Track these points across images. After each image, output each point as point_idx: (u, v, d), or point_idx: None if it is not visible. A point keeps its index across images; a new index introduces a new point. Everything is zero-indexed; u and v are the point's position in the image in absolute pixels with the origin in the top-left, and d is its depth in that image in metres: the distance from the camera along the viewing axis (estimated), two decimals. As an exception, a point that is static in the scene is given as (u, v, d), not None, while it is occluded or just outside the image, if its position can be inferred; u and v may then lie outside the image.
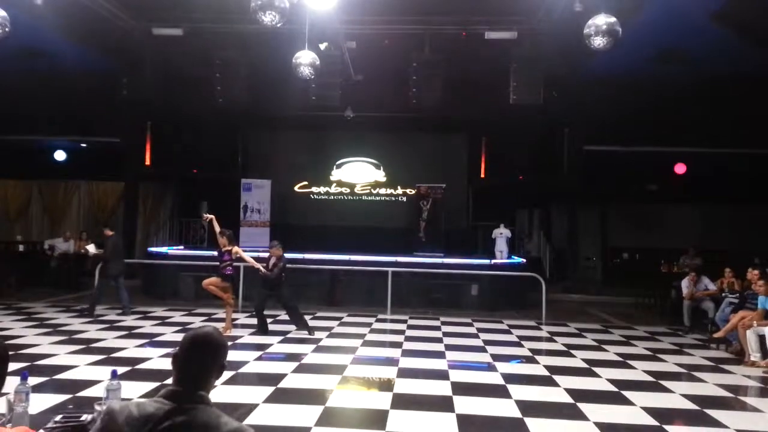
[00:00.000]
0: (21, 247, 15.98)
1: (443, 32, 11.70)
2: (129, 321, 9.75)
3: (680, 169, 16.43)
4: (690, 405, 5.80)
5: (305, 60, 9.04)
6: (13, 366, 6.59)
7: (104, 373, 5.97)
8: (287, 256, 9.13)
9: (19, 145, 15.97)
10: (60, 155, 17.14)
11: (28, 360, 6.71)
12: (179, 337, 8.40)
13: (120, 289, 10.57)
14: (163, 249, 14.34)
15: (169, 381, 1.96)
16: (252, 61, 12.28)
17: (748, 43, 11.19)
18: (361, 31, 11.72)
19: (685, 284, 10.40)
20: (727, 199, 16.62)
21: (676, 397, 6.10)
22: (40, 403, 4.86)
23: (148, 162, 16.48)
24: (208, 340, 1.99)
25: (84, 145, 16.41)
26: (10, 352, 6.95)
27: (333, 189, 17.63)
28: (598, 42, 7.31)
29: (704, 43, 11.62)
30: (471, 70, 13.64)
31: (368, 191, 17.61)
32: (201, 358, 1.94)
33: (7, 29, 7.61)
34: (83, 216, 18.14)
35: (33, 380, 5.46)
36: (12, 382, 3.06)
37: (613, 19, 7.22)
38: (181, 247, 15.32)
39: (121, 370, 5.93)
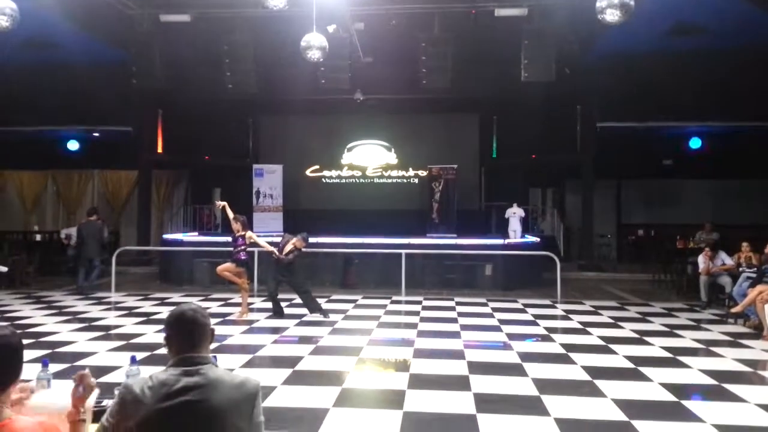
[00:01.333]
0: (38, 237, 16.17)
1: (452, 11, 11.56)
2: (147, 307, 9.86)
3: (695, 143, 16.22)
4: (709, 380, 5.77)
5: (313, 43, 8.99)
6: (33, 353, 6.73)
7: (124, 358, 6.05)
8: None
9: (33, 135, 16.09)
10: (73, 145, 17.27)
11: (49, 347, 6.82)
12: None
13: (89, 272, 11.49)
14: (178, 236, 14.42)
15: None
16: (260, 45, 12.23)
17: (760, 12, 10.95)
18: (369, 12, 11.60)
19: (701, 260, 10.31)
20: (743, 174, 16.41)
21: (694, 372, 6.07)
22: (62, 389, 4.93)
23: (160, 150, 16.56)
24: (192, 312, 2.15)
25: (96, 134, 16.51)
26: (31, 340, 7.07)
27: (344, 172, 17.62)
28: (611, 16, 7.18)
29: (718, 16, 11.42)
30: (481, 48, 13.49)
31: (380, 174, 17.58)
32: (193, 328, 2.11)
33: (16, 19, 7.63)
34: (97, 204, 18.27)
35: (54, 367, 5.53)
36: (33, 370, 3.11)
37: (625, -8, 7.08)
38: (196, 233, 15.42)
39: (140, 355, 6.00)
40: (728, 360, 6.61)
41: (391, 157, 17.52)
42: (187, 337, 2.09)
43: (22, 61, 13.70)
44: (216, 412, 1.96)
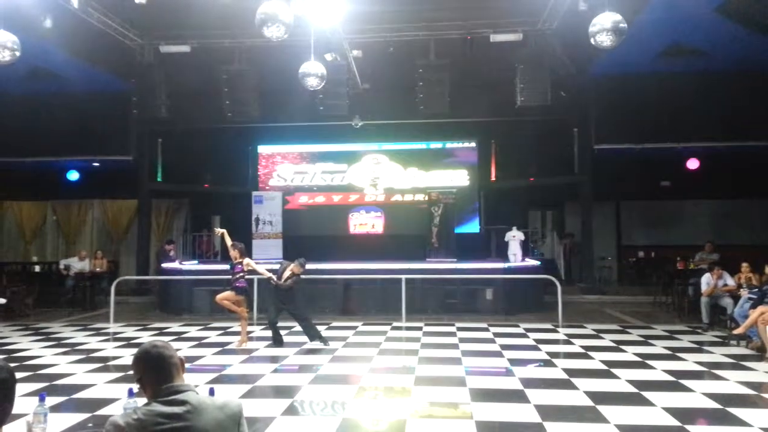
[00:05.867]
0: (37, 268, 16.13)
1: (448, 37, 11.73)
2: (146, 337, 9.80)
3: (693, 164, 16.27)
4: (712, 404, 5.71)
5: (312, 71, 9.12)
6: (31, 387, 6.68)
7: (122, 390, 5.99)
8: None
9: (33, 166, 16.15)
10: (73, 175, 17.32)
11: (47, 380, 6.74)
12: (196, 351, 8.46)
13: None
14: (177, 265, 14.36)
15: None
16: (259, 73, 12.38)
17: (754, 34, 11.11)
18: (366, 40, 11.78)
19: (706, 280, 10.22)
20: (742, 194, 16.44)
21: (697, 396, 6.02)
22: (60, 422, 4.88)
23: (160, 179, 16.62)
24: (154, 348, 2.16)
25: (96, 164, 16.56)
26: (28, 373, 7.02)
27: (343, 198, 17.65)
28: (604, 40, 7.30)
29: (710, 36, 11.57)
30: (477, 73, 13.65)
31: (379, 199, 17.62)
32: (161, 363, 2.12)
33: (17, 53, 7.75)
34: (97, 234, 18.30)
35: (52, 400, 5.49)
36: (30, 404, 3.09)
37: (618, 17, 7.20)
38: (195, 261, 15.39)
39: (137, 388, 5.95)
40: (731, 383, 6.55)
41: (390, 183, 17.56)
42: (159, 372, 2.11)
43: (23, 91, 13.83)
44: None
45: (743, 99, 13.26)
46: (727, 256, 12.41)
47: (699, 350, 8.48)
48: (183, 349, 8.61)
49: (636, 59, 12.50)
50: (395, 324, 10.89)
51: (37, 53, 10.67)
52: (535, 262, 14.06)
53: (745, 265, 10.03)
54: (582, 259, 15.98)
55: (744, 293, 9.25)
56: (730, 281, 10.04)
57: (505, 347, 8.73)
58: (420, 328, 10.46)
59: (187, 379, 2.23)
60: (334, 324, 10.93)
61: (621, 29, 7.23)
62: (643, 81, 13.47)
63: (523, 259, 14.39)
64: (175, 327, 10.90)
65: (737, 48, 11.84)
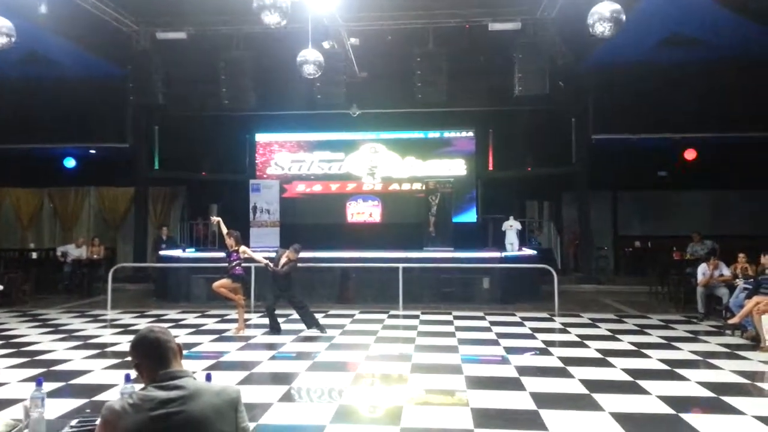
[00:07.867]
0: (34, 255, 16.11)
1: (446, 25, 11.68)
2: (143, 324, 9.78)
3: (690, 155, 16.28)
4: (706, 392, 5.75)
5: (309, 59, 9.07)
6: (28, 372, 6.69)
7: (119, 376, 6.00)
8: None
9: (29, 153, 16.08)
10: (70, 162, 17.26)
11: (44, 366, 6.75)
12: (194, 339, 8.48)
13: None
14: (174, 252, 14.35)
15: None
16: (257, 61, 12.31)
17: (753, 23, 11.08)
18: (364, 28, 11.72)
19: (702, 270, 10.26)
20: (738, 184, 16.46)
21: (692, 384, 6.05)
22: (57, 407, 4.90)
23: (157, 166, 16.57)
24: (152, 333, 2.18)
25: (93, 151, 16.50)
26: (26, 359, 7.01)
27: (341, 187, 17.64)
28: (603, 29, 7.26)
29: (709, 26, 11.54)
30: (475, 62, 13.59)
31: (377, 188, 17.61)
32: (158, 349, 2.13)
33: (12, 39, 7.69)
34: (94, 222, 18.26)
35: (49, 385, 5.51)
36: (28, 389, 3.10)
37: (616, 6, 7.16)
38: (193, 249, 15.39)
39: (134, 373, 5.97)
40: (726, 372, 6.59)
41: (388, 172, 17.55)
42: (156, 357, 2.11)
43: (19, 77, 13.74)
44: (201, 420, 2.00)
45: (741, 89, 13.23)
46: (723, 247, 12.43)
47: (694, 339, 8.52)
48: (180, 336, 8.63)
49: (634, 49, 12.46)
50: (392, 312, 10.92)
51: (33, 39, 10.58)
52: (532, 252, 14.09)
53: (741, 255, 10.06)
54: (579, 248, 16.02)
55: (740, 283, 9.29)
56: (726, 271, 10.07)
57: (501, 336, 8.76)
58: (417, 317, 10.49)
59: (185, 365, 2.23)
60: (332, 312, 10.95)
61: (619, 19, 7.19)
62: (642, 71, 13.44)
63: (520, 249, 14.42)
64: (172, 314, 10.91)
65: (735, 37, 11.81)
